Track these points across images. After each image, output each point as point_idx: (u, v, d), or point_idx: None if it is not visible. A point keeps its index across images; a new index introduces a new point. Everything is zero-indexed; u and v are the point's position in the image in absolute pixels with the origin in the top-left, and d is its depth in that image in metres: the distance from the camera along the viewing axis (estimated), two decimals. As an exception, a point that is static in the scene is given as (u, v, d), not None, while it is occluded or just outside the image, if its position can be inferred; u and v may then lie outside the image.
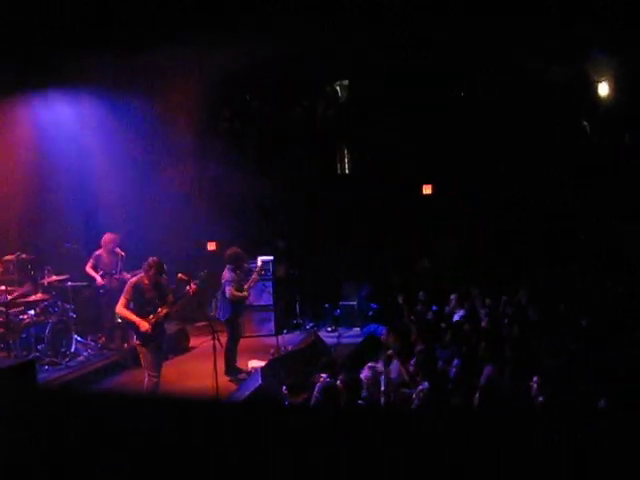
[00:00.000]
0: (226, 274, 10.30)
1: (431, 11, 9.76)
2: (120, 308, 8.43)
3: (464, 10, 9.78)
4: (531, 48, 11.70)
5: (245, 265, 10.90)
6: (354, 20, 10.14)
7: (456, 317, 10.22)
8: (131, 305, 8.40)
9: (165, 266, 8.68)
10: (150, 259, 8.57)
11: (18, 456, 2.25)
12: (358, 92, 15.20)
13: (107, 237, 11.44)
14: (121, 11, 8.71)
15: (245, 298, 10.56)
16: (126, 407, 2.32)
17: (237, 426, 2.08)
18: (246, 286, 10.43)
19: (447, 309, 10.95)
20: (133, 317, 8.32)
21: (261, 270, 11.31)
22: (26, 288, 10.81)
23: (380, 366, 7.65)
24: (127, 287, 8.49)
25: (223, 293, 10.35)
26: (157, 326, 8.43)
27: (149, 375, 8.39)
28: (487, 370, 6.96)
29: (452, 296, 11.06)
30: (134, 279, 8.61)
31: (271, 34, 10.22)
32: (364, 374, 7.35)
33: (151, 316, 8.34)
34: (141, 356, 8.52)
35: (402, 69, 13.64)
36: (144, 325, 8.24)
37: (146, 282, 8.45)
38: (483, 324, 9.54)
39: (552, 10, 9.76)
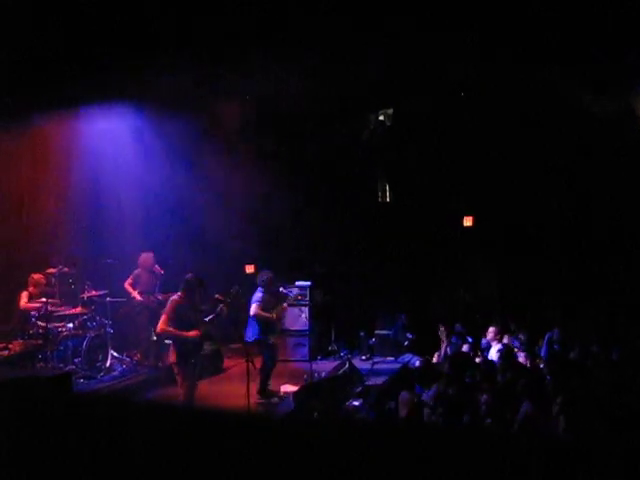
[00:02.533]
0: (256, 294, 10.38)
1: (480, 44, 9.76)
2: (163, 326, 8.41)
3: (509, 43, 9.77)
4: (578, 79, 11.60)
5: (281, 291, 10.98)
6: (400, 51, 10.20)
7: (493, 350, 10.06)
8: (171, 324, 8.41)
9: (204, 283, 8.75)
10: (189, 276, 8.61)
11: (52, 462, 2.27)
12: (402, 121, 15.21)
13: (143, 257, 11.67)
14: (174, 32, 8.88)
15: (272, 320, 10.48)
16: (159, 420, 2.33)
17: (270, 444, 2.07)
18: (275, 311, 10.45)
19: (484, 342, 10.78)
20: (178, 332, 8.36)
21: (296, 298, 11.34)
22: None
23: (405, 397, 7.58)
24: (170, 306, 8.48)
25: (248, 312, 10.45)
26: (197, 344, 8.52)
27: (184, 394, 8.41)
28: (525, 407, 6.82)
29: (490, 329, 10.88)
30: (176, 298, 8.57)
31: (318, 60, 10.32)
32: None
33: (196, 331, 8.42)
34: (177, 374, 8.52)
35: (445, 101, 13.62)
36: (193, 333, 8.35)
37: (186, 301, 8.50)
38: (520, 360, 9.38)
39: (599, 42, 9.69)
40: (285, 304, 10.82)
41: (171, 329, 8.38)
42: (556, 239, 13.93)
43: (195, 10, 8.61)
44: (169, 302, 8.57)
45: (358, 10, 8.49)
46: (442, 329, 10.48)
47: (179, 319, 8.39)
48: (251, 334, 10.43)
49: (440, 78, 12.16)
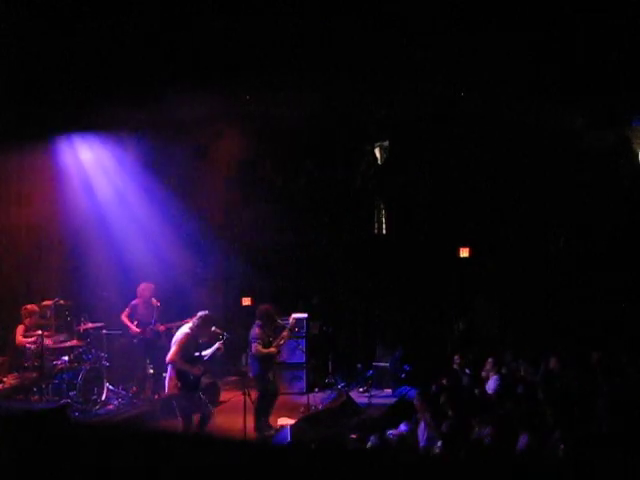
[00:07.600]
0: (254, 330, 10.29)
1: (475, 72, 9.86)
2: (175, 358, 8.52)
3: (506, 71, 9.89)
4: (573, 110, 11.72)
5: (278, 322, 10.84)
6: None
7: (491, 382, 10.00)
8: (182, 356, 8.51)
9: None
10: (205, 314, 8.67)
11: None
12: (398, 153, 15.29)
13: (142, 286, 11.58)
14: (163, 64, 8.99)
15: (273, 355, 10.42)
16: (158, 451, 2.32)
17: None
18: (275, 343, 10.34)
19: (482, 373, 10.71)
20: (189, 367, 8.51)
21: (293, 328, 11.16)
22: (62, 335, 10.92)
23: (403, 428, 7.54)
24: (183, 338, 8.58)
25: (250, 349, 10.38)
26: (197, 377, 8.59)
27: (185, 425, 8.43)
28: (523, 439, 6.76)
29: (489, 360, 10.81)
30: (189, 331, 8.64)
31: (317, 92, 10.41)
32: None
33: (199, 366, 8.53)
34: (177, 407, 8.55)
35: (441, 133, 13.73)
36: (197, 370, 8.55)
37: (195, 335, 8.58)
38: (518, 391, 9.30)
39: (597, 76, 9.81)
40: (285, 332, 10.72)
41: (183, 362, 8.50)
42: (555, 266, 13.92)
43: (195, 42, 8.73)
44: (182, 334, 8.64)
45: (357, 14, 8.56)
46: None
47: (186, 352, 8.47)
48: (253, 370, 10.42)
49: (436, 99, 12.28)
